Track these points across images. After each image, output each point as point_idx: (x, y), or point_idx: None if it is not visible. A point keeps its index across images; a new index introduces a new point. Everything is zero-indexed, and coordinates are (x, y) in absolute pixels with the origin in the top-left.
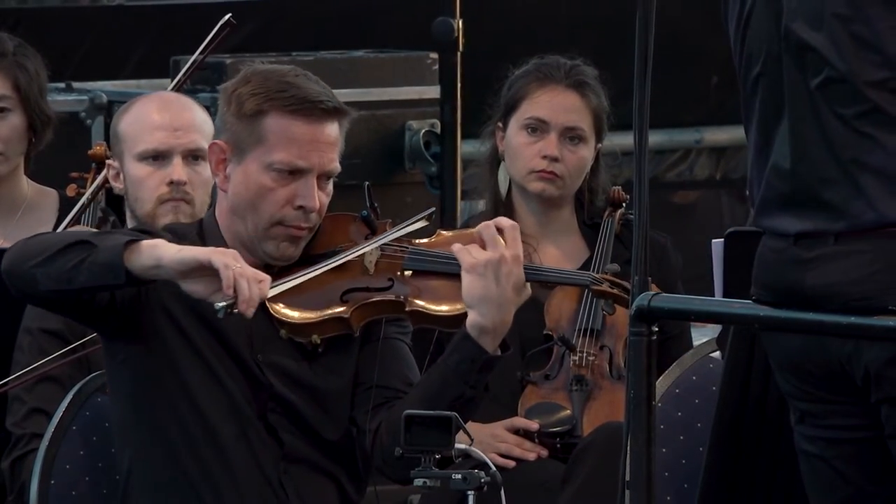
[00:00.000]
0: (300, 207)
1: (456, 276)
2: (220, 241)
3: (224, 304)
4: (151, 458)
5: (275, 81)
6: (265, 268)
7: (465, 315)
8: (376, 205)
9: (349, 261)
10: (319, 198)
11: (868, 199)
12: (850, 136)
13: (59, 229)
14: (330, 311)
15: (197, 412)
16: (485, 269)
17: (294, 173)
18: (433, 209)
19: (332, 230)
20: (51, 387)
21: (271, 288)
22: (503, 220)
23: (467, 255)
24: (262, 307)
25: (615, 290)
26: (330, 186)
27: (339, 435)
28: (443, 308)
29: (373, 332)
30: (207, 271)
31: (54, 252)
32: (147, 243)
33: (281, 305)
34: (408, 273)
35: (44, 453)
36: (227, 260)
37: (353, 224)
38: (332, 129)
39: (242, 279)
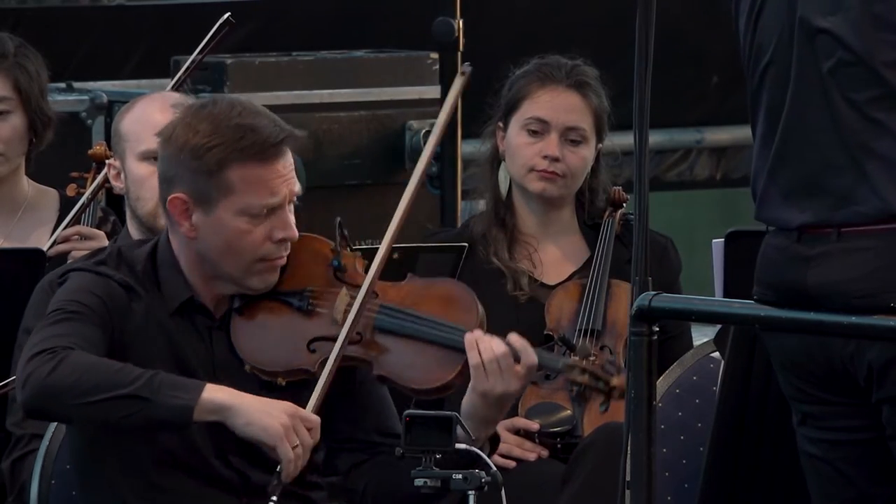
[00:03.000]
0: (281, 240)
1: (426, 342)
2: (178, 279)
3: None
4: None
5: (225, 128)
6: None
7: (436, 389)
8: (346, 232)
9: (316, 309)
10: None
11: (872, 186)
12: (860, 121)
13: (60, 229)
14: (297, 363)
15: (151, 458)
16: (497, 399)
17: (266, 213)
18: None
19: (302, 260)
20: None
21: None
22: (526, 355)
23: (481, 379)
24: (229, 341)
25: (584, 378)
26: (292, 206)
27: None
28: (413, 379)
29: (347, 378)
30: None
31: (100, 399)
32: (211, 401)
33: (247, 345)
34: (377, 331)
35: (44, 453)
36: (290, 449)
37: (323, 263)
38: (289, 156)
39: (300, 459)
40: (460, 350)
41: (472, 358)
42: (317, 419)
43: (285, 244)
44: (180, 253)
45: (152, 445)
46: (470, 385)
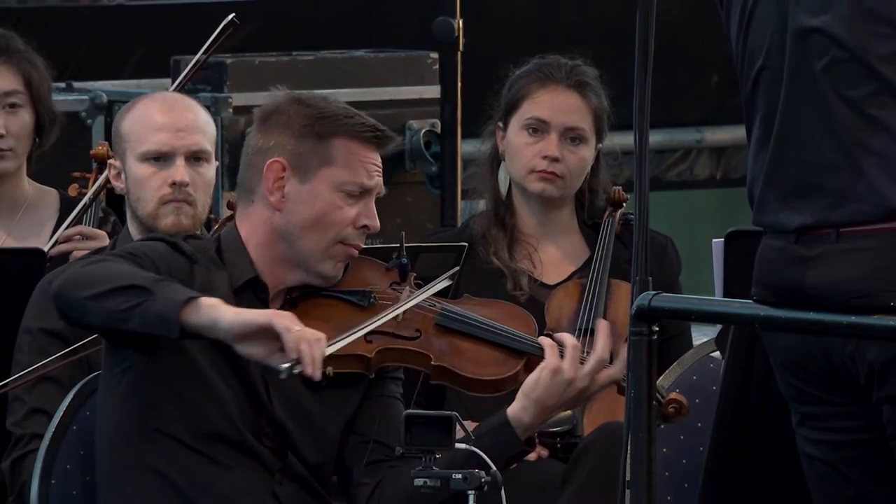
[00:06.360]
0: (363, 227)
1: (482, 341)
2: (244, 260)
3: (288, 365)
4: (142, 467)
5: (336, 106)
6: (288, 291)
7: (491, 382)
8: (406, 260)
9: (379, 303)
10: None
11: (869, 183)
12: (855, 118)
13: (61, 229)
14: (351, 349)
15: (191, 425)
16: (562, 382)
17: (359, 195)
18: (457, 269)
19: (360, 270)
20: (51, 387)
21: (328, 346)
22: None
23: (555, 358)
24: None
25: (670, 409)
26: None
27: (328, 469)
28: (470, 371)
29: (374, 387)
30: (266, 334)
31: (109, 289)
32: (206, 302)
33: None
34: (437, 329)
35: (44, 453)
36: (287, 323)
37: (380, 269)
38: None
39: (304, 342)
40: (519, 353)
41: (551, 359)
42: (321, 334)
43: (364, 234)
44: (251, 235)
45: (197, 419)
46: (522, 391)
